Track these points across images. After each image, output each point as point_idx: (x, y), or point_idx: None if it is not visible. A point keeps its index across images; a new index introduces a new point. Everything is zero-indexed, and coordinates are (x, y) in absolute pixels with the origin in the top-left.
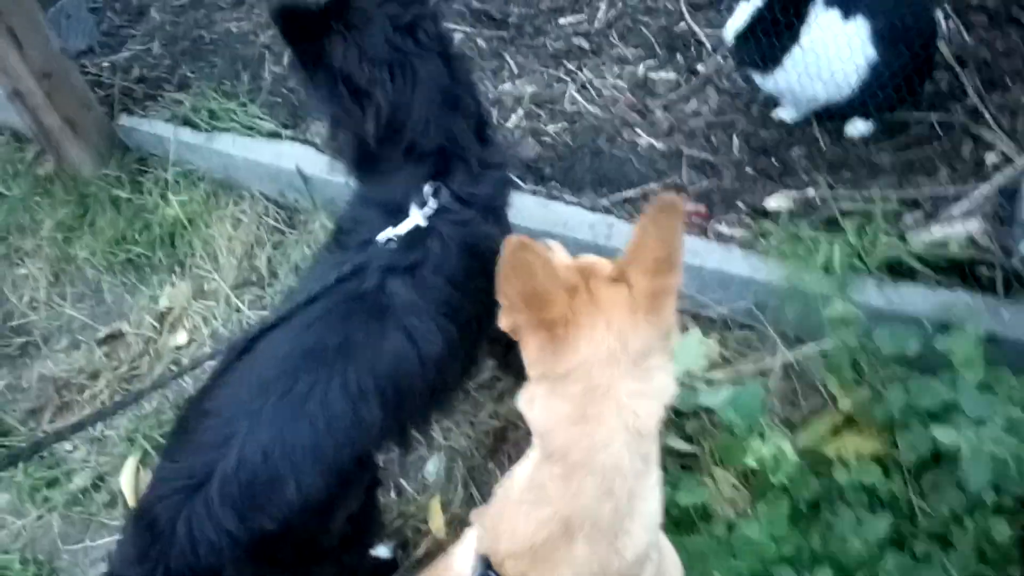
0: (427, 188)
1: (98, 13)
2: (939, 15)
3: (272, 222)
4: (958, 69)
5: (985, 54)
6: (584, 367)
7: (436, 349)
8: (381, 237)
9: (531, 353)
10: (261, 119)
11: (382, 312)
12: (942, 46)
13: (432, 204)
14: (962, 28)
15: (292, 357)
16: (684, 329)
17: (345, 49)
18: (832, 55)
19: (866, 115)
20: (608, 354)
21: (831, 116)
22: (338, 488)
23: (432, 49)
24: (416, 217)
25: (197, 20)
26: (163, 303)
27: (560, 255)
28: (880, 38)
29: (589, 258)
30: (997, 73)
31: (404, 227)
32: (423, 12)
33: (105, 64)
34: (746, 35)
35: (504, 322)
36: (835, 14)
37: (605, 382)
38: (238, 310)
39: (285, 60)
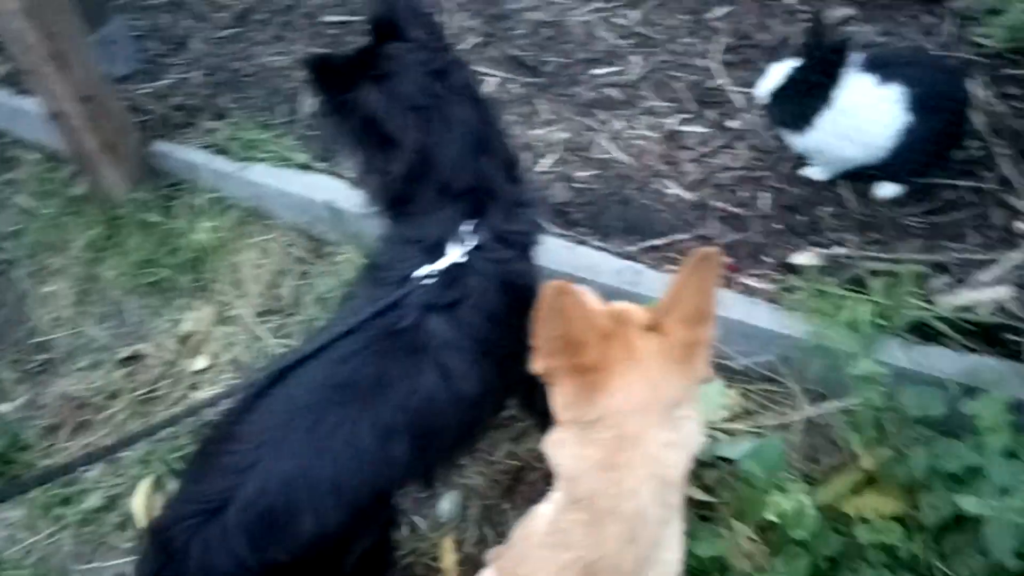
0: (465, 226)
1: (140, 41)
2: (973, 84)
3: (299, 252)
4: (991, 138)
5: (1018, 124)
6: (616, 415)
7: (471, 388)
8: (419, 273)
9: (563, 398)
10: (295, 151)
11: (419, 349)
12: (975, 115)
13: (471, 242)
14: (995, 98)
15: (324, 389)
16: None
17: (377, 96)
18: (865, 119)
19: (896, 178)
20: (641, 403)
21: (860, 177)
22: (356, 525)
23: (462, 93)
24: (455, 254)
25: (236, 53)
26: (185, 327)
27: (591, 301)
28: (914, 105)
29: (622, 305)
30: None
31: (443, 263)
32: (453, 58)
33: (145, 91)
34: (780, 95)
35: (537, 365)
36: (870, 79)
37: (636, 431)
38: (260, 338)
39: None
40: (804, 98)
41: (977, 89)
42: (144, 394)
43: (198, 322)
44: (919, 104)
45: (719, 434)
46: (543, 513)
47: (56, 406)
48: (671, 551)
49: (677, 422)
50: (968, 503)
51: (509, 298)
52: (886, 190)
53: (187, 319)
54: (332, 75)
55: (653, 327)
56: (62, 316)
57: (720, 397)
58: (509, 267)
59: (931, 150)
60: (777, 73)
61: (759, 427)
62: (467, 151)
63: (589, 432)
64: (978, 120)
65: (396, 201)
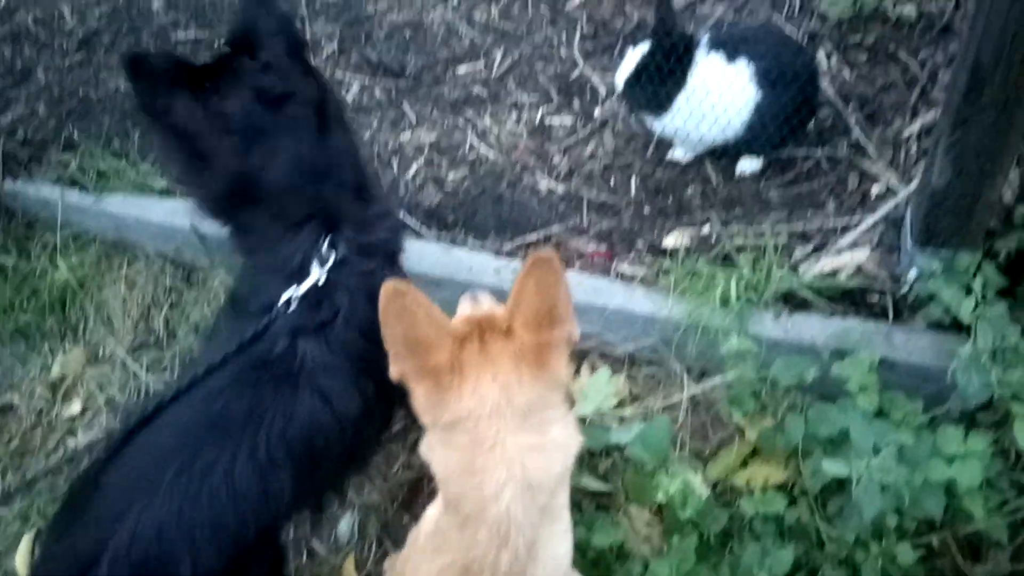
0: (324, 243)
1: None
2: (820, 54)
3: (169, 282)
4: (841, 105)
5: (866, 90)
6: (471, 418)
7: (353, 408)
8: (283, 298)
9: (419, 401)
10: (153, 177)
11: (294, 376)
12: (825, 84)
13: (332, 258)
14: (844, 66)
15: (195, 428)
16: (593, 368)
17: (192, 110)
18: (718, 97)
19: (755, 153)
20: (494, 406)
21: (723, 155)
22: (240, 566)
23: (300, 121)
24: (317, 273)
25: (85, 79)
26: (56, 371)
27: (487, 304)
28: (763, 79)
29: (489, 308)
30: (878, 108)
31: (306, 285)
32: (295, 88)
33: None
34: (635, 80)
35: (393, 370)
36: (719, 57)
37: (492, 435)
38: (135, 375)
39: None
40: (659, 82)
41: (824, 58)
42: (18, 446)
43: (68, 365)
44: (768, 78)
45: (610, 421)
46: (430, 515)
47: None
48: (559, 547)
49: (540, 425)
50: (833, 466)
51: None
52: (747, 165)
53: (57, 363)
54: (150, 76)
55: (509, 330)
56: None
57: (607, 385)
58: (376, 279)
59: (785, 123)
60: (632, 59)
61: (647, 411)
62: (297, 180)
63: (449, 436)
64: (828, 89)
65: (224, 216)
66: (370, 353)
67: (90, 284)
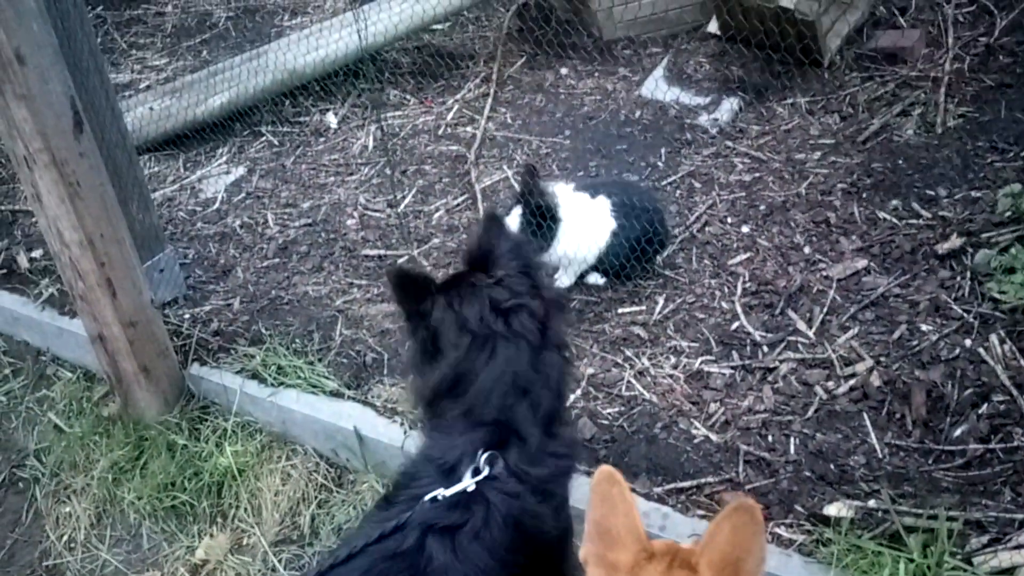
0: (482, 456)
1: (187, 268)
2: (993, 339)
3: (321, 479)
4: (1016, 393)
5: None
6: None
7: None
8: (428, 496)
9: None
10: (326, 378)
11: (417, 574)
12: (998, 370)
13: (485, 472)
14: (1016, 353)
15: None
16: None
17: (443, 313)
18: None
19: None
20: None
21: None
22: None
23: (522, 336)
24: (466, 482)
25: (278, 281)
26: (199, 555)
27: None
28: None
29: (683, 544)
30: None
31: (453, 490)
32: (524, 303)
33: (186, 315)
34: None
35: (581, 550)
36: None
37: None
38: (274, 569)
39: (358, 324)
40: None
41: (997, 344)
42: None
43: (212, 550)
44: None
45: None
46: None
47: None
48: None
49: None
50: None
51: (515, 534)
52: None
53: (201, 547)
54: (412, 287)
55: (694, 567)
56: (77, 538)
57: None
58: (520, 504)
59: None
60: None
61: None
62: (500, 388)
63: None
64: (1002, 376)
65: (428, 409)
66: (492, 571)
67: (248, 472)
